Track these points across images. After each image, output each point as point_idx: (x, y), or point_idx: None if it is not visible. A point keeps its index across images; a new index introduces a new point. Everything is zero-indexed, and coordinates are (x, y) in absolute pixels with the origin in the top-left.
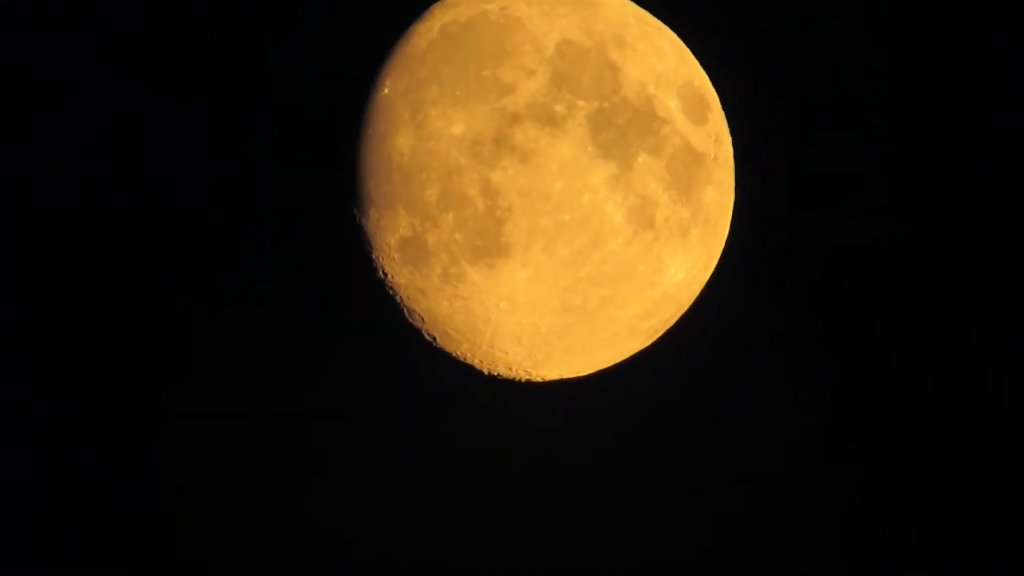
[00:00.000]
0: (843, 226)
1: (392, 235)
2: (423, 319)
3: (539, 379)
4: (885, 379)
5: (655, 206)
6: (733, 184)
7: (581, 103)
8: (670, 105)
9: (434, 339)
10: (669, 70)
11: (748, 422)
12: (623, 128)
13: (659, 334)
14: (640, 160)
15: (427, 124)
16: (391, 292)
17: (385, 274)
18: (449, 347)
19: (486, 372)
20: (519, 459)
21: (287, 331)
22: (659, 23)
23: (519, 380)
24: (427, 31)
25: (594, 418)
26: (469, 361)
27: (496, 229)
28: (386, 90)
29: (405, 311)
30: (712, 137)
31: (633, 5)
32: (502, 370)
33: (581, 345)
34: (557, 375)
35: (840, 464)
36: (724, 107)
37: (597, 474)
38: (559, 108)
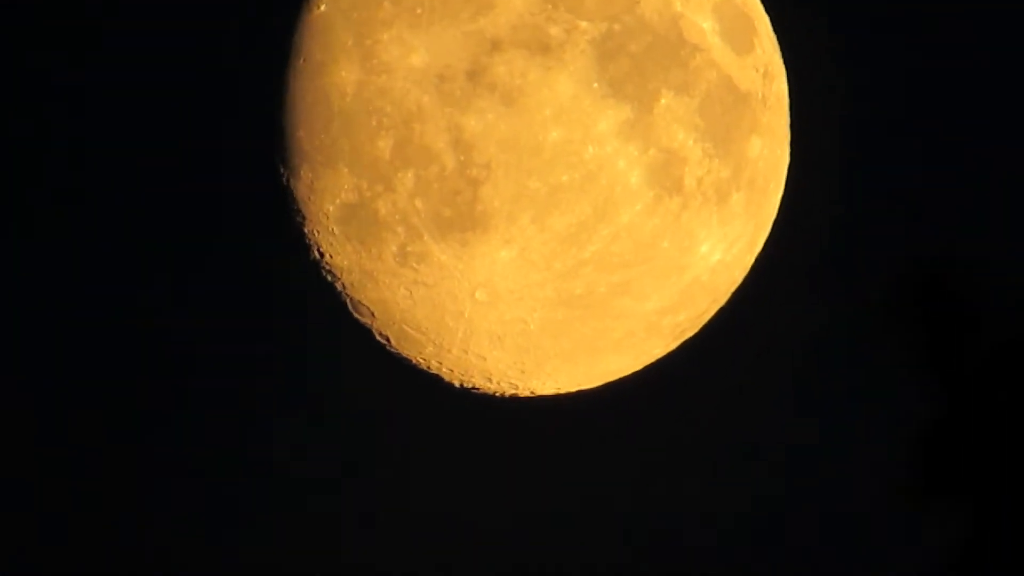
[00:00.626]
0: (937, 203)
1: (331, 201)
2: (373, 314)
3: (527, 394)
4: (981, 411)
5: (683, 163)
6: (788, 135)
7: (584, 24)
8: (703, 28)
9: (388, 341)
10: None
11: (805, 458)
12: (640, 58)
13: (688, 335)
14: (663, 101)
15: (377, 52)
16: (329, 278)
17: (321, 254)
18: (408, 351)
19: (457, 384)
20: (498, 501)
21: (197, 330)
22: None
23: (501, 395)
24: None
25: (600, 449)
26: (435, 370)
27: (470, 194)
28: (322, 7)
29: (348, 303)
30: (760, 71)
31: None
32: (479, 382)
33: (584, 349)
34: (552, 389)
35: (928, 512)
36: (777, 32)
37: (603, 526)
38: (555, 31)
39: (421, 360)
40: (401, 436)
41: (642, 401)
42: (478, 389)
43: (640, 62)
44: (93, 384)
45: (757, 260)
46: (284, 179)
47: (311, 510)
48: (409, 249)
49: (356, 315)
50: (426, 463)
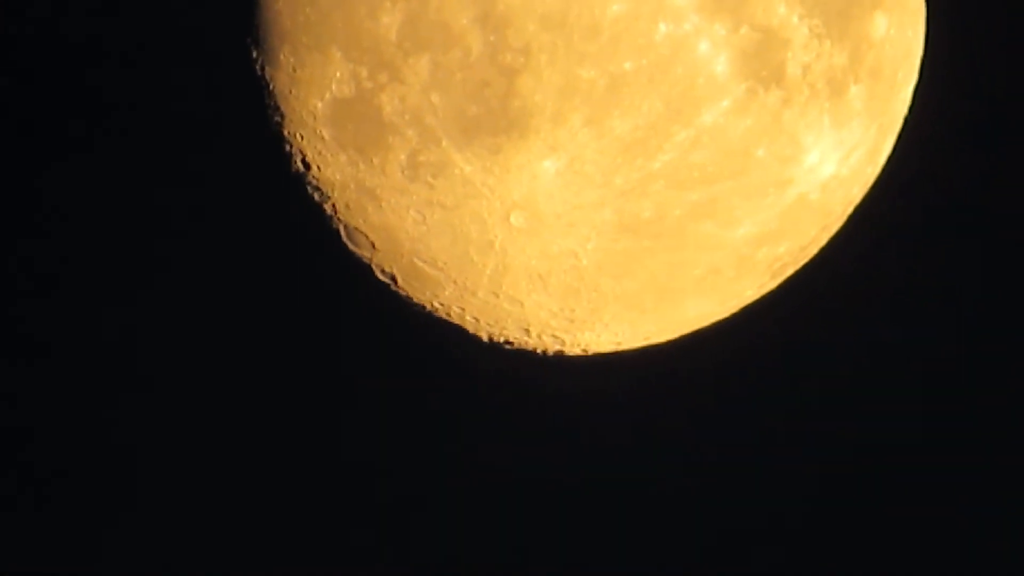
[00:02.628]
0: None
1: (319, 96)
2: (374, 245)
3: (577, 351)
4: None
5: (785, 46)
6: (922, 10)
7: None
8: None
9: (393, 280)
10: None
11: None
12: None
13: (790, 271)
14: None
15: None
16: (317, 197)
17: (306, 165)
18: (420, 294)
19: (485, 338)
20: (539, 488)
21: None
22: None
23: (542, 353)
24: None
25: (673, 424)
26: (456, 319)
27: (504, 86)
28: None
29: (342, 231)
30: None
31: None
32: (513, 334)
33: (653, 291)
34: (610, 344)
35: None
36: None
37: (679, 534)
38: None
39: (438, 306)
40: (411, 406)
41: (730, 363)
42: (512, 344)
43: None
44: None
45: (881, 174)
46: (258, 66)
47: (299, 493)
48: (422, 159)
49: (352, 246)
50: (444, 440)
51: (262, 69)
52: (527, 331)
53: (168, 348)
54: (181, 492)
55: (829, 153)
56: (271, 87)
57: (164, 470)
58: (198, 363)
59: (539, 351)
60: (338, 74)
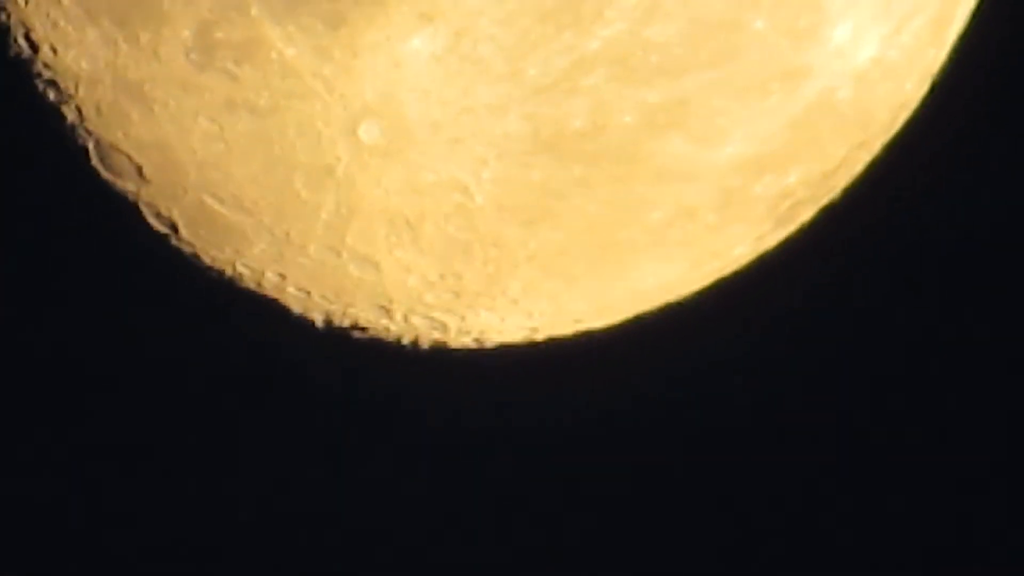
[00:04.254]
0: None
1: None
2: (141, 171)
3: (467, 342)
4: None
5: None
6: None
7: None
8: None
9: (173, 228)
10: None
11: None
12: None
13: (803, 217)
14: None
15: None
16: (52, 95)
17: (34, 44)
18: (216, 250)
19: (318, 321)
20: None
21: None
22: None
23: (411, 346)
24: None
25: (612, 460)
26: (271, 291)
27: None
28: None
29: (92, 147)
30: None
31: None
32: (365, 315)
33: (588, 247)
34: (519, 332)
35: None
36: None
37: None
38: None
39: (243, 270)
40: (198, 426)
41: (713, 356)
42: (364, 331)
43: None
44: None
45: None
46: None
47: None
48: (219, 35)
49: (107, 174)
50: (257, 465)
51: None
52: (387, 310)
53: None
54: None
55: (868, 25)
56: None
57: None
58: None
59: (406, 342)
60: None
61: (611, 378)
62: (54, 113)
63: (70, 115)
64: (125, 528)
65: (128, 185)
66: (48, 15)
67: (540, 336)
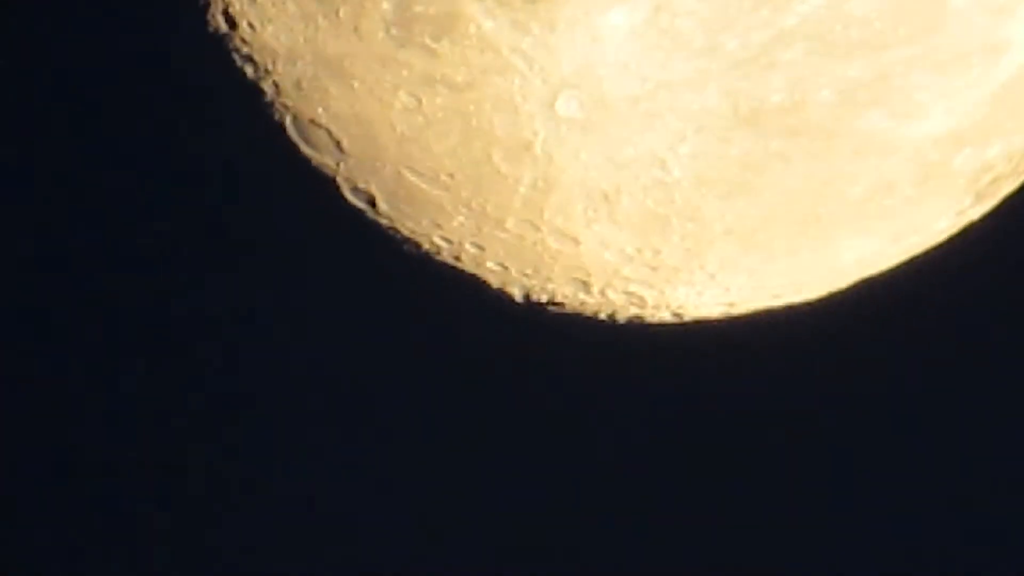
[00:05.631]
0: None
1: None
2: (340, 145)
3: (666, 316)
4: None
5: None
6: None
7: None
8: None
9: (372, 202)
10: None
11: None
12: None
13: (1006, 190)
14: None
15: None
16: (249, 70)
17: (231, 20)
18: (414, 224)
19: (517, 295)
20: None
21: None
22: None
23: (610, 320)
24: None
25: (813, 432)
26: (469, 266)
27: None
28: None
29: (290, 122)
30: None
31: None
32: (563, 289)
33: (787, 222)
34: (718, 307)
35: None
36: None
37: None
38: None
39: (442, 243)
40: (402, 398)
41: (914, 330)
42: (562, 305)
43: None
44: None
45: None
46: None
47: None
48: (418, 9)
49: (306, 148)
50: (453, 446)
51: None
52: (585, 284)
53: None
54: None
55: None
56: None
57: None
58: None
59: (605, 316)
60: None
61: (808, 353)
62: (252, 89)
63: (268, 91)
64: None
65: (327, 159)
66: None
67: (738, 311)
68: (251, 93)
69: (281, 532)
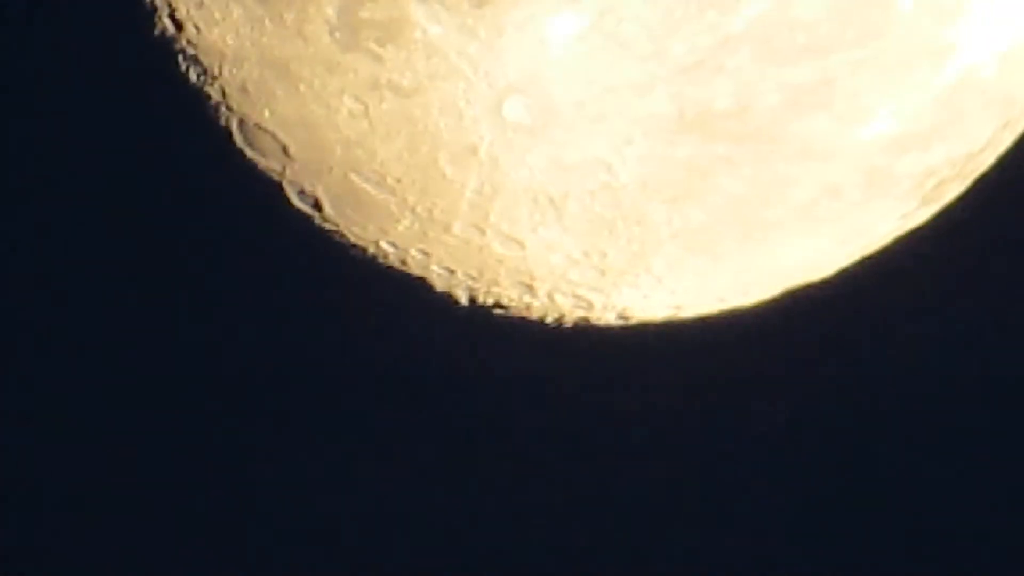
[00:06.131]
0: None
1: None
2: (286, 150)
3: (611, 319)
4: None
5: None
6: None
7: None
8: None
9: (317, 206)
10: None
11: None
12: None
13: (949, 197)
14: None
15: None
16: (195, 74)
17: (178, 24)
18: (360, 229)
19: (462, 298)
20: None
21: None
22: None
23: (555, 324)
24: None
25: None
26: (415, 269)
27: None
28: None
29: (236, 126)
30: None
31: None
32: (509, 292)
33: (732, 224)
34: (664, 309)
35: None
36: None
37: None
38: None
39: (388, 248)
40: (345, 406)
41: (855, 337)
42: (507, 309)
43: None
44: None
45: None
46: None
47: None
48: (364, 14)
49: (251, 153)
50: (393, 455)
51: None
52: (530, 288)
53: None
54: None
55: (1012, 3)
56: None
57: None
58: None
59: (550, 320)
60: None
61: (752, 357)
62: (198, 92)
63: (214, 94)
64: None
65: (273, 164)
66: None
67: (684, 314)
68: (197, 96)
69: (232, 544)
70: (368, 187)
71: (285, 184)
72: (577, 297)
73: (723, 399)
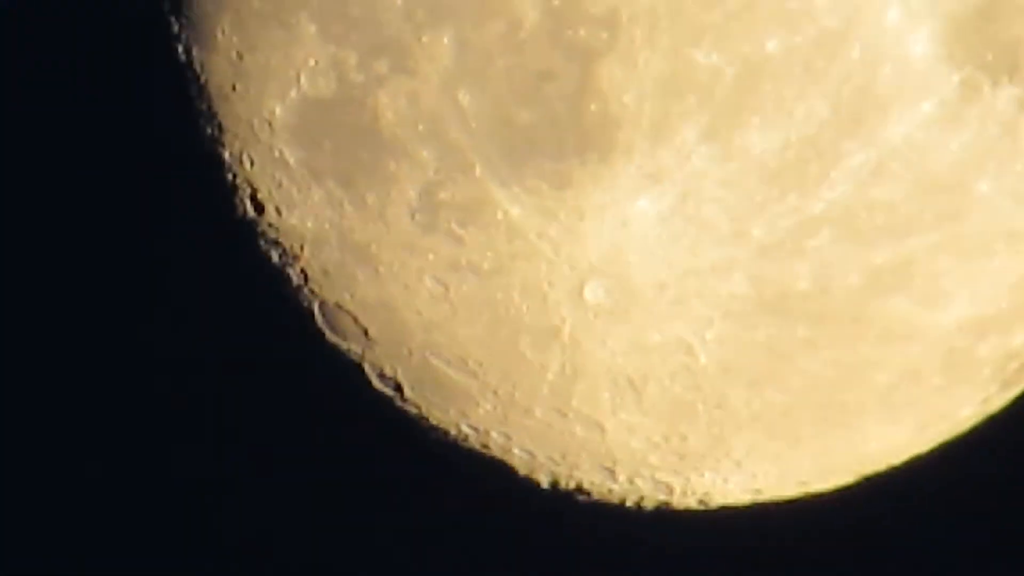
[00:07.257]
0: None
1: (279, 96)
2: (367, 332)
3: (692, 503)
4: None
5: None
6: None
7: None
8: None
9: (398, 389)
10: None
11: None
12: None
13: None
14: None
15: None
16: (276, 256)
17: (259, 205)
18: (440, 411)
19: (544, 483)
20: None
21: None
22: None
23: (636, 507)
24: None
25: None
26: (497, 453)
27: (575, 79)
28: None
29: (317, 309)
30: None
31: None
32: (590, 476)
33: (813, 408)
34: (745, 494)
35: None
36: None
37: None
38: None
39: (469, 431)
40: None
41: (940, 521)
42: (588, 494)
43: None
44: None
45: None
46: (181, 48)
47: None
48: (444, 196)
49: (332, 335)
50: None
51: (188, 52)
52: (611, 472)
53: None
54: None
55: None
56: (202, 81)
57: None
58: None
59: (631, 503)
60: (311, 61)
61: (832, 542)
62: (279, 275)
63: (295, 277)
64: None
65: (353, 346)
66: (274, 176)
67: (764, 497)
68: (278, 279)
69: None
70: (449, 370)
71: (366, 366)
72: (657, 481)
73: None
